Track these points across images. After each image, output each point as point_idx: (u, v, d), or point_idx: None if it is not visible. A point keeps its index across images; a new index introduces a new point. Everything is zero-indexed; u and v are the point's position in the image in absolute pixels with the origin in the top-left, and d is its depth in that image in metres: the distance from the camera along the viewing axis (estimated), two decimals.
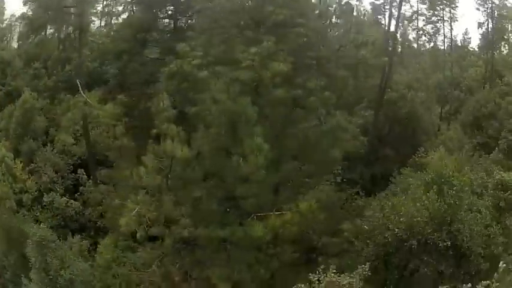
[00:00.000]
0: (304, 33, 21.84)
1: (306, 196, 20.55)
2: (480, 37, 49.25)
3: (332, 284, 13.52)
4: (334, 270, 14.32)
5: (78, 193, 31.92)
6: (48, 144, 33.62)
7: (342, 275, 14.03)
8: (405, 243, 19.60)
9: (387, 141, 37.68)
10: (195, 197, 17.59)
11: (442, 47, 46.73)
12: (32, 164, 32.47)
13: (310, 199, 20.12)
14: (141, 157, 19.59)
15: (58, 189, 31.56)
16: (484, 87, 42.16)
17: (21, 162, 32.17)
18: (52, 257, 19.46)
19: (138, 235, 17.63)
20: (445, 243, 19.16)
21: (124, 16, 38.01)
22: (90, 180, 31.81)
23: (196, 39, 22.56)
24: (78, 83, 27.61)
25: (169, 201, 17.44)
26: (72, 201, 30.97)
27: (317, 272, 14.25)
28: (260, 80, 19.26)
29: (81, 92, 27.02)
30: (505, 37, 44.78)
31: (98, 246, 26.47)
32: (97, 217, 30.55)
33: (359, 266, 15.03)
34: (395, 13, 37.80)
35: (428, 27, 45.20)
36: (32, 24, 31.49)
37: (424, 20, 44.54)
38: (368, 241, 20.38)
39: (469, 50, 48.53)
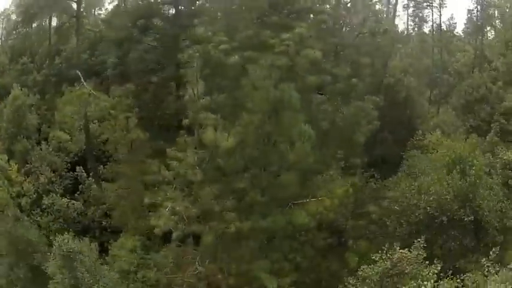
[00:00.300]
0: (327, 19, 21.11)
1: (338, 181, 19.74)
2: (465, 22, 49.43)
3: (403, 258, 14.89)
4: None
5: (78, 192, 29.72)
6: (43, 143, 31.16)
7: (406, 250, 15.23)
8: (436, 220, 20.76)
9: (385, 125, 37.45)
10: (238, 189, 16.15)
11: (429, 32, 46.48)
12: (28, 165, 30.04)
13: (342, 184, 19.35)
14: (167, 150, 17.97)
15: (57, 189, 29.32)
16: (473, 72, 42.41)
17: (16, 163, 29.70)
18: (83, 271, 17.26)
19: (174, 234, 15.98)
20: (468, 218, 20.60)
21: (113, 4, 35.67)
22: (91, 178, 29.62)
23: (214, 24, 21.03)
24: (78, 73, 25.39)
25: (209, 195, 15.83)
26: (73, 201, 28.82)
27: (382, 250, 15.52)
28: (293, 66, 18.05)
29: (84, 83, 24.81)
30: (493, 24, 45.00)
31: (109, 248, 24.56)
32: (100, 216, 28.56)
33: (416, 240, 15.83)
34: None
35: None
36: (27, 13, 28.71)
37: (413, 5, 44.15)
38: (402, 221, 21.20)
39: (454, 35, 48.53)
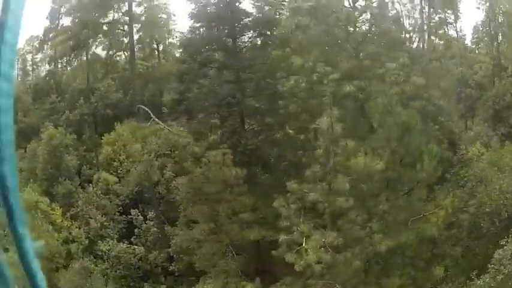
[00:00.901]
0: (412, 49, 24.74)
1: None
2: (472, 32, 54.35)
3: None
4: None
5: (134, 236, 30.86)
6: (87, 185, 32.21)
7: None
8: None
9: None
10: (381, 211, 18.66)
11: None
12: (73, 209, 30.93)
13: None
14: (287, 183, 20.10)
15: (111, 234, 30.31)
16: (494, 82, 46.87)
17: (60, 207, 30.55)
18: None
19: (317, 267, 17.98)
20: None
21: None
22: (148, 221, 30.89)
23: (307, 55, 23.79)
24: (145, 109, 27.16)
25: (356, 221, 18.22)
26: (134, 247, 29.88)
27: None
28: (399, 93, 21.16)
29: (155, 118, 26.54)
30: (503, 30, 49.89)
31: None
32: (164, 261, 29.69)
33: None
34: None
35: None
36: (76, 39, 29.79)
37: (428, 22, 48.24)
38: (494, 219, 25.64)
39: (466, 47, 53.18)
